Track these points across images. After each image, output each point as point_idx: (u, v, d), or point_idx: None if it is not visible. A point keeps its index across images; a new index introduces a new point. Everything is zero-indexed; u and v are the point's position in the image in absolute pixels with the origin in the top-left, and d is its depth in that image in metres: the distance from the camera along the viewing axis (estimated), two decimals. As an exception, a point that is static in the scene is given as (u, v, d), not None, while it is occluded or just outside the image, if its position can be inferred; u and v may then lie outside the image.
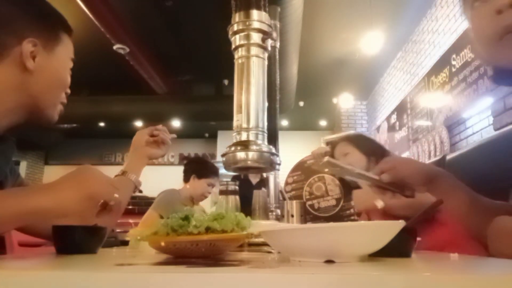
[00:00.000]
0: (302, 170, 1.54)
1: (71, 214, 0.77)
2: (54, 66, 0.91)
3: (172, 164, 9.89)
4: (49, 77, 0.90)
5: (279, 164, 1.17)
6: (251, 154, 1.08)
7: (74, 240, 0.79)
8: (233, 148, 1.10)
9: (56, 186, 0.76)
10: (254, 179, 3.56)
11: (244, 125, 1.12)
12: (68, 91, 0.97)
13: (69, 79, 0.97)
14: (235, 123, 1.13)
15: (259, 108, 1.13)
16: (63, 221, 0.79)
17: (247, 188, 1.39)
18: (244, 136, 1.11)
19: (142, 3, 4.53)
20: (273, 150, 1.13)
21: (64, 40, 0.95)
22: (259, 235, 0.74)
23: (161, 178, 7.44)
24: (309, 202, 1.45)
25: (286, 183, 1.53)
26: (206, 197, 2.89)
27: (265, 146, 1.11)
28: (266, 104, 1.17)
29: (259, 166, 1.11)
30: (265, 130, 1.14)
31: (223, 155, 1.13)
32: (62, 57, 0.94)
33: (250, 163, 1.09)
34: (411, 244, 0.77)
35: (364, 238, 0.61)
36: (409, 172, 0.93)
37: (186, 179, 2.91)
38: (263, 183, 1.31)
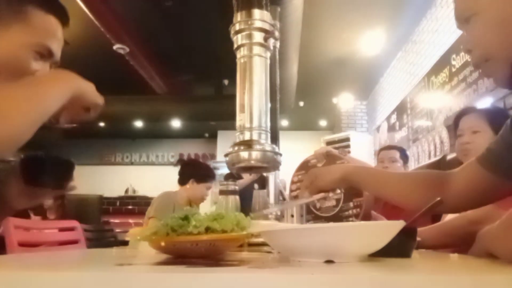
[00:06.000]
0: (306, 169, 1.54)
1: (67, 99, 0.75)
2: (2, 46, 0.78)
3: (171, 164, 9.88)
4: None
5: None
6: (255, 154, 1.08)
7: (43, 172, 0.80)
8: (236, 148, 1.10)
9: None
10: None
11: (247, 125, 1.11)
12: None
13: (28, 65, 0.81)
14: (238, 123, 1.13)
15: (262, 108, 1.13)
16: None
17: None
18: (247, 136, 1.11)
19: (142, 3, 4.52)
20: (277, 150, 1.13)
21: (33, 18, 0.80)
22: (259, 235, 0.74)
23: (160, 178, 7.45)
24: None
25: (292, 182, 1.54)
26: (204, 200, 2.92)
27: (268, 146, 1.11)
28: (269, 103, 1.16)
29: (262, 165, 1.10)
30: (268, 130, 1.14)
31: (226, 155, 1.13)
32: (17, 38, 0.79)
33: (254, 162, 1.09)
34: (411, 244, 0.77)
35: (364, 238, 0.61)
36: (324, 183, 1.08)
37: (183, 182, 2.88)
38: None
